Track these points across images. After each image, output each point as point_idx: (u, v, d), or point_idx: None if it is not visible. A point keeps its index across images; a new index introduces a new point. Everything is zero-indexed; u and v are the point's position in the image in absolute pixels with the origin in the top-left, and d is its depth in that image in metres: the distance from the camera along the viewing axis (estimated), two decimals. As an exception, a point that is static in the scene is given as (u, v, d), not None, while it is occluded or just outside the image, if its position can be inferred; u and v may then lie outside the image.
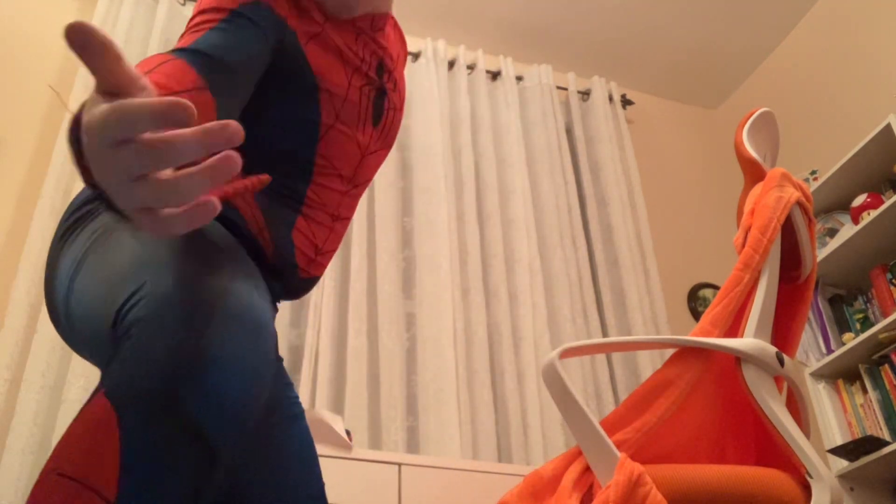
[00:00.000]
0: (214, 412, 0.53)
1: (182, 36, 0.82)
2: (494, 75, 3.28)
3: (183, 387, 0.53)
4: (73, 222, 0.82)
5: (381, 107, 1.01)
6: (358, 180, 1.01)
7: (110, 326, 0.62)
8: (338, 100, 0.94)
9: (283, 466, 0.85)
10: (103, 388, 0.54)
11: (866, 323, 2.63)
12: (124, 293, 0.61)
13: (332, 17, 0.95)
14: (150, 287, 0.59)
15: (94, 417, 0.53)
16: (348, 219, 1.02)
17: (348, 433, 1.86)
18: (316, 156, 0.93)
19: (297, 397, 0.93)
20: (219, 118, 0.75)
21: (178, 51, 0.76)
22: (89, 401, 0.55)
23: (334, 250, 1.01)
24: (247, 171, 0.87)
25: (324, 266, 1.00)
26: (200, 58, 0.76)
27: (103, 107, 0.45)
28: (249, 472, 0.82)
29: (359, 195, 1.03)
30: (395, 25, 1.11)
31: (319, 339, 2.37)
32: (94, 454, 0.51)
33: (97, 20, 2.72)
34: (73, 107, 2.52)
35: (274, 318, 0.81)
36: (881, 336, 2.45)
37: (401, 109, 1.06)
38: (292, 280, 0.94)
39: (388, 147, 1.05)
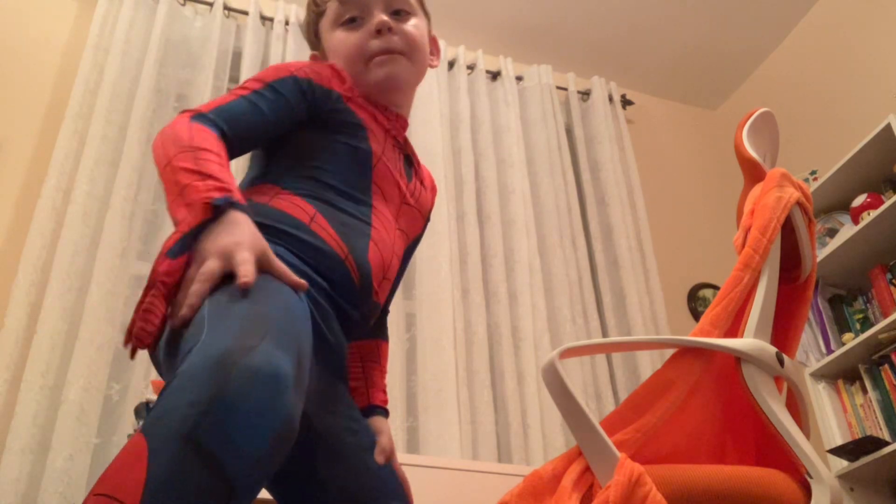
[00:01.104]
0: (231, 455, 0.61)
1: (235, 89, 1.05)
2: (494, 75, 3.28)
3: (202, 433, 0.61)
4: None
5: (410, 169, 1.18)
6: (400, 223, 1.13)
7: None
8: (380, 139, 1.11)
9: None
10: (140, 426, 0.65)
11: (866, 323, 2.63)
12: (190, 343, 0.72)
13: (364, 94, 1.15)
14: (199, 344, 0.69)
15: (129, 447, 0.63)
16: (400, 257, 1.14)
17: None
18: (373, 182, 1.08)
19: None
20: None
21: (201, 117, 0.95)
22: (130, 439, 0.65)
23: (392, 279, 1.12)
24: (325, 200, 1.03)
25: (386, 293, 1.11)
26: (214, 127, 0.95)
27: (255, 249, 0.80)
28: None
29: (403, 241, 1.16)
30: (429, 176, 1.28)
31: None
32: (125, 474, 0.61)
33: (97, 20, 2.72)
34: (74, 104, 2.52)
35: (339, 355, 1.02)
36: (881, 336, 2.45)
37: (427, 190, 1.22)
38: (367, 303, 1.05)
39: (421, 213, 1.19)
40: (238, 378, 0.63)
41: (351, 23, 1.15)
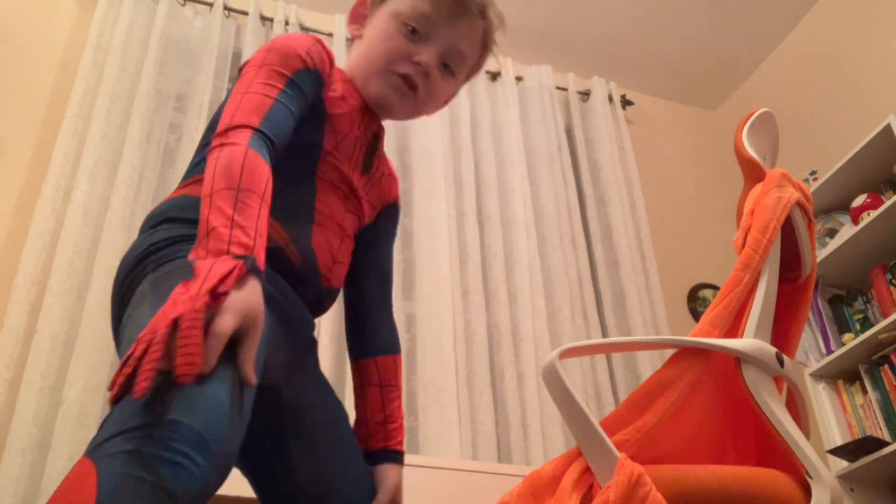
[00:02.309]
0: (175, 474, 0.63)
1: (248, 78, 0.98)
2: (494, 76, 3.28)
3: (147, 451, 0.63)
4: (139, 271, 0.92)
5: (371, 161, 1.15)
6: (351, 206, 1.11)
7: None
8: (340, 134, 1.08)
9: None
10: (85, 453, 0.66)
11: (866, 323, 2.63)
12: None
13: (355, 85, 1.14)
14: None
15: (76, 469, 0.64)
16: (352, 238, 1.12)
17: (348, 433, 1.86)
18: (317, 173, 1.06)
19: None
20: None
21: (259, 139, 0.91)
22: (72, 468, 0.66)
23: (347, 263, 1.11)
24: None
25: (341, 277, 1.10)
26: (271, 155, 0.92)
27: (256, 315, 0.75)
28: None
29: (354, 224, 1.13)
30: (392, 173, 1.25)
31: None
32: (77, 493, 0.62)
33: (97, 20, 2.72)
34: (73, 104, 2.52)
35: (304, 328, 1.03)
36: (881, 336, 2.45)
37: (387, 178, 1.20)
38: (317, 289, 1.04)
39: (372, 204, 1.17)
40: (182, 404, 0.66)
41: (411, 32, 1.10)
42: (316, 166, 1.06)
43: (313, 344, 1.11)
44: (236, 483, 0.94)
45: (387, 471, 1.11)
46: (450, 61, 1.13)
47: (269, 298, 0.87)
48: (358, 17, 1.19)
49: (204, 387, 0.68)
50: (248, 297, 0.75)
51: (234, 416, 0.70)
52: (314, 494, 1.01)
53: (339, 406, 1.10)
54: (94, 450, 0.65)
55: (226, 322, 0.71)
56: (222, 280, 0.73)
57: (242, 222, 0.80)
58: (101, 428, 0.68)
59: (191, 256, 0.78)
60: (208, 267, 0.74)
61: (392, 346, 1.22)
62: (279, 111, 0.96)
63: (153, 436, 0.64)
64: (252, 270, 0.77)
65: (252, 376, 0.74)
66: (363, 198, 1.14)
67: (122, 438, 0.64)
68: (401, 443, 1.15)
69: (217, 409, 0.68)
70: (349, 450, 1.06)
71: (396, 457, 1.13)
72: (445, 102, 1.20)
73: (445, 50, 1.12)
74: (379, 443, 1.14)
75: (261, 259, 0.80)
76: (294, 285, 1.00)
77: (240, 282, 0.75)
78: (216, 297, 0.72)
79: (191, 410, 0.66)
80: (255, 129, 0.91)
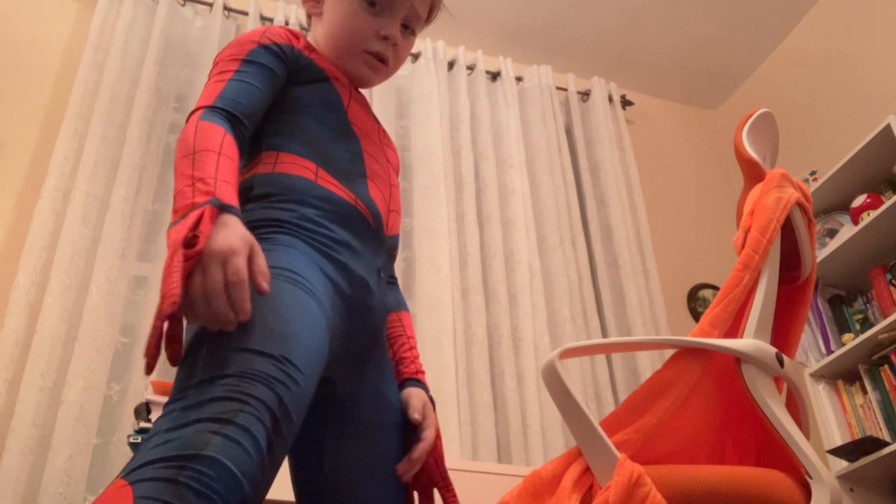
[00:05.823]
0: (209, 499, 0.66)
1: (207, 81, 1.05)
2: (494, 76, 3.28)
3: (184, 484, 0.66)
4: None
5: (373, 114, 1.21)
6: (385, 154, 1.17)
7: None
8: (345, 85, 1.15)
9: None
10: (120, 474, 0.69)
11: (866, 323, 2.63)
12: (179, 393, 0.77)
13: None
14: (182, 408, 0.74)
15: (113, 491, 0.67)
16: (398, 188, 1.19)
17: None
18: (351, 123, 1.12)
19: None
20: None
21: (209, 111, 0.97)
22: (107, 487, 0.69)
23: (399, 211, 1.17)
24: (320, 150, 1.06)
25: (398, 225, 1.16)
26: (230, 122, 0.98)
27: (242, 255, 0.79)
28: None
29: (392, 169, 1.20)
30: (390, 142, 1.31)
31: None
32: None
33: (97, 20, 2.72)
34: (73, 104, 2.52)
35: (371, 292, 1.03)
36: (881, 337, 2.45)
37: (391, 145, 1.25)
38: (385, 238, 1.09)
39: (389, 161, 1.20)
40: (222, 442, 0.69)
41: (371, 5, 1.15)
42: (346, 114, 1.12)
43: (382, 334, 1.11)
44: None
45: (410, 393, 1.14)
46: (410, 23, 1.19)
47: (335, 287, 0.95)
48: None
49: (244, 428, 0.70)
50: (228, 234, 0.79)
51: (268, 463, 0.72)
52: (337, 491, 1.02)
53: (393, 410, 1.09)
54: (131, 473, 0.67)
55: (213, 276, 0.76)
56: (192, 229, 0.77)
57: (201, 175, 0.85)
58: (138, 452, 0.70)
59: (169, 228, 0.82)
60: (177, 231, 0.78)
61: (398, 305, 1.25)
62: (232, 86, 1.01)
63: (189, 468, 0.66)
64: (222, 208, 0.81)
65: (263, 285, 0.79)
66: (387, 145, 1.21)
67: (159, 466, 0.67)
68: (418, 372, 1.19)
69: (254, 451, 0.70)
70: (385, 458, 1.06)
71: (415, 383, 1.17)
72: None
73: (406, 16, 1.18)
74: (398, 377, 1.17)
75: (228, 200, 0.83)
76: (368, 240, 1.04)
77: (216, 220, 0.80)
78: (191, 244, 0.76)
79: (229, 450, 0.68)
80: (206, 107, 0.97)
